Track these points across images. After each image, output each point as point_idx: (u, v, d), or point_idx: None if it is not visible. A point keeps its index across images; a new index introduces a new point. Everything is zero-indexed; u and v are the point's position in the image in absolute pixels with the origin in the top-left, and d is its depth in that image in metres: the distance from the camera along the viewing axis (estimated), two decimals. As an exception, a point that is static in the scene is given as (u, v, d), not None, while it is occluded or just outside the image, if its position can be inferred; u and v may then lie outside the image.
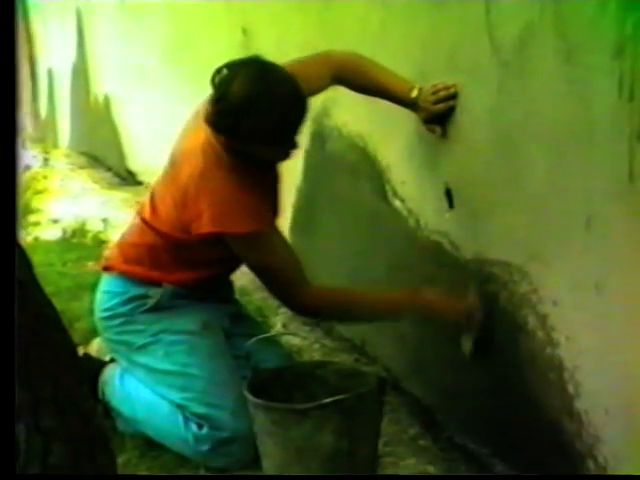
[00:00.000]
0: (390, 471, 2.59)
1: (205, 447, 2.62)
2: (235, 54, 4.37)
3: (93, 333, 3.19)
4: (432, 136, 2.62)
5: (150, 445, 2.72)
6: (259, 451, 2.38)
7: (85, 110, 7.91)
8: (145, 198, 2.87)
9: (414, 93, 2.59)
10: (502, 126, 2.36)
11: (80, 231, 5.29)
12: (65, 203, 6.27)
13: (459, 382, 2.68)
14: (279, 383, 2.44)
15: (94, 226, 5.38)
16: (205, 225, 2.49)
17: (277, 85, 2.41)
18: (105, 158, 7.47)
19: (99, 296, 2.85)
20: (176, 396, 2.66)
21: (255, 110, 2.36)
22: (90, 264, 4.66)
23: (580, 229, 2.10)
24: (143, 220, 2.74)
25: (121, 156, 6.98)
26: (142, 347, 2.73)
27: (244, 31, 4.32)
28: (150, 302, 2.70)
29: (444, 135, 2.57)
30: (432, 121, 2.58)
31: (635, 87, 1.90)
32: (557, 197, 2.18)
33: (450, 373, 2.69)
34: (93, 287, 4.09)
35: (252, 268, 2.63)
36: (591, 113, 2.05)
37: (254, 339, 2.53)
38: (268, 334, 2.67)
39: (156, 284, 2.69)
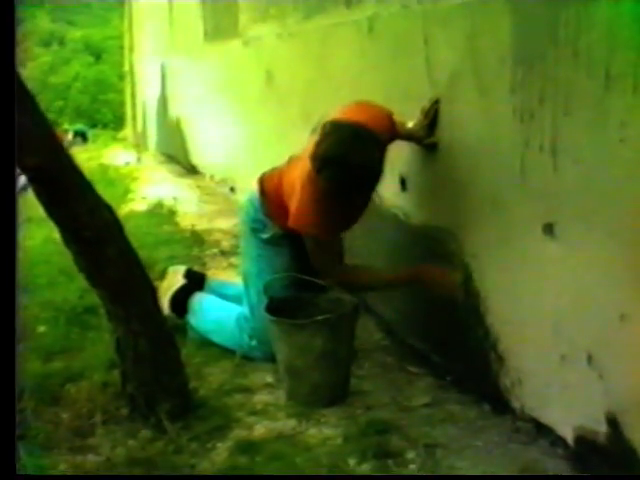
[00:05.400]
0: (362, 360, 2.54)
1: (253, 342, 2.55)
2: (261, 88, 4.38)
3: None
4: (392, 146, 2.37)
5: (202, 343, 2.66)
6: (274, 350, 2.35)
7: (164, 126, 7.96)
8: (294, 155, 2.51)
9: (410, 124, 2.37)
10: (438, 137, 2.34)
11: (159, 205, 5.25)
12: (150, 186, 6.22)
13: (410, 306, 2.64)
14: (288, 307, 2.38)
15: (168, 202, 5.33)
16: (290, 220, 2.30)
17: (353, 153, 2.11)
18: (176, 157, 7.47)
19: (249, 196, 2.58)
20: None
21: (331, 166, 2.12)
22: (165, 227, 4.64)
23: (489, 207, 2.12)
24: (282, 174, 2.47)
25: (186, 155, 6.96)
26: (250, 255, 2.59)
27: (267, 73, 4.30)
28: (265, 235, 2.51)
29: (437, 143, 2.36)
30: (428, 136, 2.35)
31: (524, 115, 1.91)
32: (474, 186, 2.19)
33: (404, 300, 2.65)
34: (167, 242, 4.13)
35: (306, 247, 2.36)
36: (496, 130, 2.06)
37: (271, 278, 2.40)
38: (281, 275, 2.46)
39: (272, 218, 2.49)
